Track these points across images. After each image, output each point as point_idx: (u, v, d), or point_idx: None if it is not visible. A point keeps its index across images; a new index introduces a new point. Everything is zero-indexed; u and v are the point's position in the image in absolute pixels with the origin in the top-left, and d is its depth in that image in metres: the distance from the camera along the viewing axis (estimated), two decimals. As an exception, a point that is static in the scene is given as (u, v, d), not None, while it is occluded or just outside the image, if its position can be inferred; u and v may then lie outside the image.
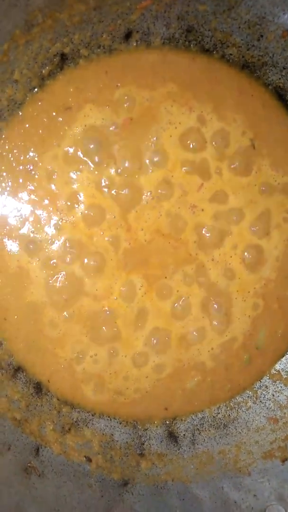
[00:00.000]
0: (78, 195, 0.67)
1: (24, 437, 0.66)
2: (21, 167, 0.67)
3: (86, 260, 0.68)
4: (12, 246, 0.68)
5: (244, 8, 0.64)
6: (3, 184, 0.68)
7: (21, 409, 0.68)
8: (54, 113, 0.67)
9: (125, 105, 0.67)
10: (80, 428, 0.70)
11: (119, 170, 0.67)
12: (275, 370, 0.74)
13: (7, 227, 0.68)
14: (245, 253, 0.70)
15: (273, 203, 0.71)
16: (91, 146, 0.66)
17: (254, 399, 0.73)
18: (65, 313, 0.68)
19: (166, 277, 0.68)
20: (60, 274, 0.68)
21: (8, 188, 0.68)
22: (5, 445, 0.63)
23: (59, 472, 0.64)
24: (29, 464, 0.61)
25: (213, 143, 0.68)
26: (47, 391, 0.70)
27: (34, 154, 0.67)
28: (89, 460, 0.67)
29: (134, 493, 0.66)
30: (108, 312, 0.68)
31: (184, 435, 0.73)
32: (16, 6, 0.55)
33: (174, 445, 0.72)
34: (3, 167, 0.67)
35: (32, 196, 0.67)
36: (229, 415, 0.73)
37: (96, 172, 0.67)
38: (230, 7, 0.64)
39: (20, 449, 0.64)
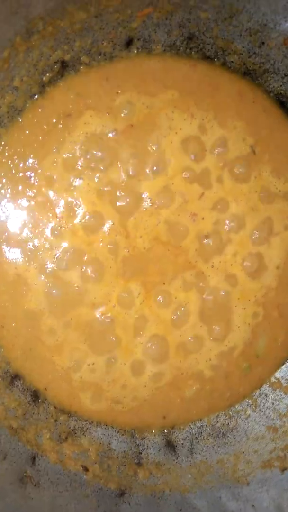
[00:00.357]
0: (77, 202, 0.67)
1: (21, 445, 0.65)
2: (20, 174, 0.67)
3: (84, 268, 0.67)
4: (10, 253, 0.68)
5: (245, 16, 0.64)
6: (3, 191, 0.68)
7: (17, 417, 0.68)
8: (54, 120, 0.66)
9: (126, 111, 0.67)
10: (77, 437, 0.70)
11: (119, 177, 0.67)
12: (275, 378, 0.74)
13: (6, 234, 0.68)
14: (246, 261, 0.70)
15: (274, 210, 0.71)
16: (91, 153, 0.66)
17: (254, 407, 0.73)
18: (63, 321, 0.68)
19: (164, 284, 0.68)
20: (58, 281, 0.67)
21: (7, 195, 0.68)
22: (0, 454, 0.62)
23: (55, 481, 0.64)
24: (25, 474, 0.61)
25: (214, 150, 0.68)
26: (44, 399, 0.70)
27: (34, 160, 0.67)
28: (85, 469, 0.67)
29: (131, 503, 0.66)
30: (106, 320, 0.68)
31: (182, 444, 0.72)
32: (17, 13, 0.55)
33: (172, 454, 0.72)
34: (2, 174, 0.67)
35: (31, 203, 0.67)
36: (228, 423, 0.73)
37: (95, 179, 0.67)
38: (231, 15, 0.64)
39: (16, 458, 0.64)
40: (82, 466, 0.67)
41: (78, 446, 0.69)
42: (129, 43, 0.66)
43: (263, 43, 0.66)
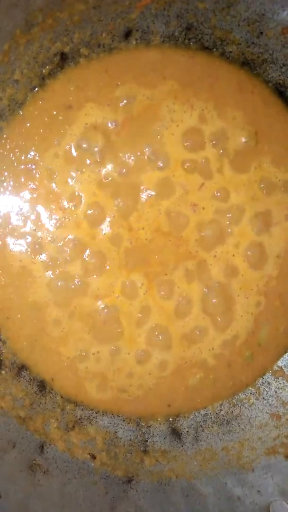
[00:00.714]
0: (79, 194, 0.67)
1: (29, 434, 0.66)
2: (22, 166, 0.67)
3: (88, 259, 0.68)
4: (14, 245, 0.68)
5: (243, 6, 0.64)
6: (5, 184, 0.68)
7: (25, 407, 0.68)
8: (54, 112, 0.67)
9: (126, 103, 0.67)
10: (84, 426, 0.71)
11: (120, 169, 0.67)
12: (277, 366, 0.74)
13: (10, 226, 0.68)
14: (247, 251, 0.70)
15: (274, 200, 0.71)
16: (92, 144, 0.67)
17: (257, 395, 0.74)
18: (67, 312, 0.69)
19: (166, 274, 0.68)
20: (62, 273, 0.68)
21: (9, 188, 0.68)
22: (10, 442, 0.63)
23: (64, 469, 0.65)
24: (34, 462, 0.62)
25: (214, 141, 0.68)
26: (51, 389, 0.71)
27: (35, 153, 0.67)
28: (93, 457, 0.68)
29: (138, 489, 0.66)
30: (110, 311, 0.69)
31: (187, 432, 0.73)
32: (17, 6, 0.55)
33: (177, 442, 0.72)
34: (4, 167, 0.68)
35: (34, 195, 0.68)
36: (232, 411, 0.74)
37: (97, 171, 0.67)
38: (229, 5, 0.64)
39: (25, 446, 0.64)
40: (89, 454, 0.67)
41: (85, 435, 0.70)
42: (127, 34, 0.66)
43: (261, 33, 0.67)
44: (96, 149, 0.67)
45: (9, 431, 0.64)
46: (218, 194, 0.69)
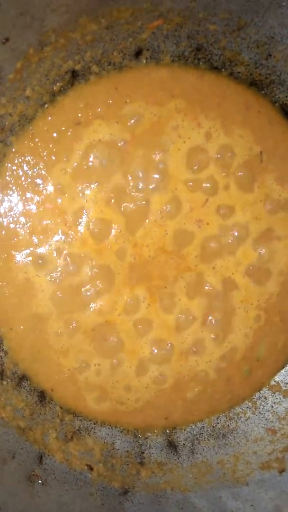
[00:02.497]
0: (86, 210, 0.68)
1: (28, 445, 0.67)
2: (29, 180, 0.68)
3: (92, 274, 0.69)
4: (19, 258, 0.69)
5: (253, 29, 0.65)
6: (12, 198, 0.69)
7: (25, 417, 0.69)
8: (63, 128, 0.67)
9: (134, 120, 0.68)
10: (82, 436, 0.72)
11: (127, 186, 0.68)
12: (274, 381, 0.75)
13: (15, 239, 0.69)
14: (249, 266, 0.71)
15: (278, 217, 0.72)
16: (100, 161, 0.67)
17: (253, 410, 0.74)
18: (69, 324, 0.70)
19: (166, 287, 0.69)
20: (66, 286, 0.69)
21: (16, 202, 0.69)
22: (10, 453, 0.64)
23: (62, 480, 0.66)
24: (32, 473, 0.63)
25: (220, 158, 0.69)
26: (51, 400, 0.72)
27: (43, 168, 0.68)
28: (90, 468, 0.69)
29: (134, 501, 0.67)
30: (112, 324, 0.70)
31: (183, 444, 0.74)
32: (31, 27, 0.56)
33: (173, 454, 0.73)
34: (12, 181, 0.68)
35: (40, 210, 0.68)
36: (228, 425, 0.74)
37: (104, 187, 0.68)
38: (239, 27, 0.65)
39: (24, 457, 0.65)
40: (87, 465, 0.68)
41: (83, 446, 0.71)
42: (138, 53, 0.67)
43: (270, 55, 0.67)
44: (103, 166, 0.67)
45: (9, 441, 0.65)
46: (223, 211, 0.69)
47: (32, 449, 0.67)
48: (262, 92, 0.71)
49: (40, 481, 0.63)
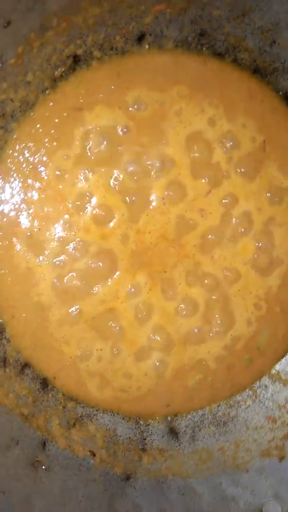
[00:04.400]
0: (88, 196, 0.68)
1: (32, 432, 0.67)
2: (31, 167, 0.68)
3: (93, 260, 0.69)
4: (21, 246, 0.69)
5: (257, 14, 0.64)
6: (13, 185, 0.68)
7: (28, 404, 0.70)
8: (65, 114, 0.67)
9: (136, 106, 0.67)
10: (85, 423, 0.72)
11: (129, 172, 0.67)
12: (275, 370, 0.76)
13: (17, 228, 0.69)
14: (252, 255, 0.70)
15: (280, 207, 0.72)
16: (102, 147, 0.67)
17: (254, 398, 0.75)
18: (71, 312, 0.70)
19: (165, 272, 0.69)
20: (68, 274, 0.69)
21: (18, 188, 0.68)
22: (13, 440, 0.64)
23: (65, 466, 0.66)
24: (36, 459, 0.63)
25: (223, 146, 0.68)
26: (53, 387, 0.72)
27: (45, 154, 0.67)
28: (93, 454, 0.69)
29: (136, 487, 0.68)
30: (113, 311, 0.70)
31: (184, 431, 0.74)
32: (33, 10, 0.55)
33: (175, 441, 0.74)
34: (13, 168, 0.68)
35: (42, 196, 0.68)
36: (229, 413, 0.75)
37: (105, 174, 0.67)
38: (244, 13, 0.64)
39: (27, 443, 0.66)
40: (90, 451, 0.69)
41: (86, 432, 0.71)
42: (141, 38, 0.66)
43: (274, 41, 0.67)
44: (105, 151, 0.67)
45: (12, 428, 0.66)
46: (226, 200, 0.69)
47: (35, 436, 0.67)
48: (266, 79, 0.70)
49: (44, 467, 0.63)
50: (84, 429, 0.72)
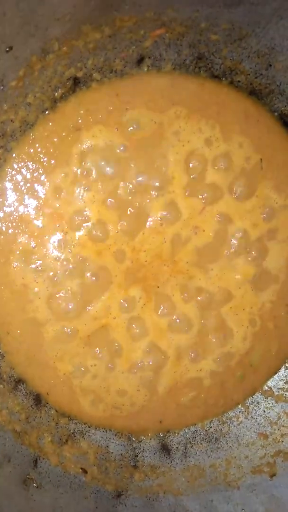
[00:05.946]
0: (85, 215, 0.68)
1: (24, 449, 0.68)
2: (28, 185, 0.68)
3: (89, 279, 0.69)
4: (17, 262, 0.69)
5: (254, 39, 0.65)
6: (11, 202, 0.69)
7: (21, 421, 0.70)
8: (64, 134, 0.68)
9: (134, 127, 0.68)
10: (77, 440, 0.72)
11: (126, 192, 0.68)
12: (267, 386, 0.76)
13: (13, 244, 0.69)
14: (248, 271, 0.71)
15: (273, 224, 0.72)
16: (99, 167, 0.68)
17: (246, 414, 0.75)
18: (65, 329, 0.70)
19: (158, 287, 0.69)
20: (63, 291, 0.69)
21: (15, 206, 0.69)
22: (5, 457, 0.64)
23: (56, 483, 0.66)
24: (28, 476, 0.63)
25: (218, 166, 0.69)
26: (46, 403, 0.72)
27: (43, 173, 0.68)
28: (85, 471, 0.69)
29: (127, 504, 0.68)
30: (108, 328, 0.70)
31: (176, 447, 0.74)
32: (35, 36, 0.56)
33: (166, 457, 0.74)
34: (11, 186, 0.68)
35: (39, 215, 0.69)
36: (221, 429, 0.75)
37: (103, 193, 0.68)
38: (241, 37, 0.65)
39: (19, 461, 0.66)
40: (81, 468, 0.69)
41: (78, 449, 0.71)
42: (140, 61, 0.67)
43: (270, 65, 0.68)
44: (103, 171, 0.68)
45: (5, 445, 0.66)
46: (220, 218, 0.70)
47: (27, 453, 0.67)
48: (262, 101, 0.71)
49: (35, 485, 0.63)
50: (76, 446, 0.72)
